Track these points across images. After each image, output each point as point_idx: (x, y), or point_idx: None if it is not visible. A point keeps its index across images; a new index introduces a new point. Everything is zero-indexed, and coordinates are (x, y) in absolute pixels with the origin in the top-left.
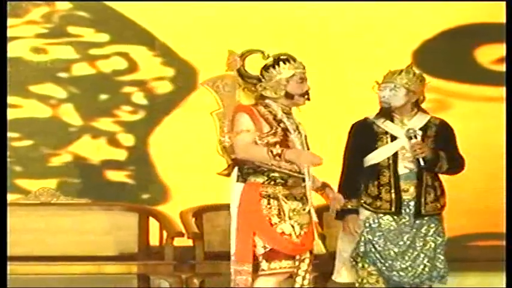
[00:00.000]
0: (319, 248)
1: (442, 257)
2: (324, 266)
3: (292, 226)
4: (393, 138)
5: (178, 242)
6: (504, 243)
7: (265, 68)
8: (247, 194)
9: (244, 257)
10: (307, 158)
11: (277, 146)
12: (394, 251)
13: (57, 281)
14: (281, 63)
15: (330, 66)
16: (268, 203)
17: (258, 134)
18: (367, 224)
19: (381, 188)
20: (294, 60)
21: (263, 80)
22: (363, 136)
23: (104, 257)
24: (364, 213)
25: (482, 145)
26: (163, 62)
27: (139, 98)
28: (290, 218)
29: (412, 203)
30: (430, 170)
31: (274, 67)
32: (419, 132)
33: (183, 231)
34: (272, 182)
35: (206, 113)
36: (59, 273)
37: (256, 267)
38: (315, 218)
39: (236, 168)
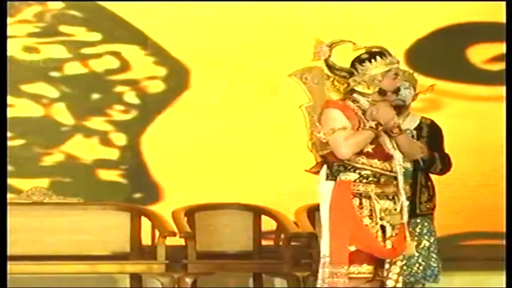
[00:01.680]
0: (411, 249)
1: (435, 256)
2: (315, 265)
3: (384, 227)
4: None
5: (170, 241)
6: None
7: (360, 61)
8: (338, 193)
9: (341, 258)
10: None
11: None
12: None
13: (49, 280)
14: (377, 57)
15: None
16: (360, 203)
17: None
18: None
19: None
20: (390, 54)
21: (356, 73)
22: None
23: (96, 256)
24: None
25: (474, 144)
26: (156, 61)
27: (131, 97)
28: (382, 219)
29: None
30: (427, 171)
31: (370, 61)
32: (415, 133)
33: (175, 230)
34: (364, 180)
35: (198, 112)
36: (51, 272)
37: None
38: (405, 219)
39: (325, 166)
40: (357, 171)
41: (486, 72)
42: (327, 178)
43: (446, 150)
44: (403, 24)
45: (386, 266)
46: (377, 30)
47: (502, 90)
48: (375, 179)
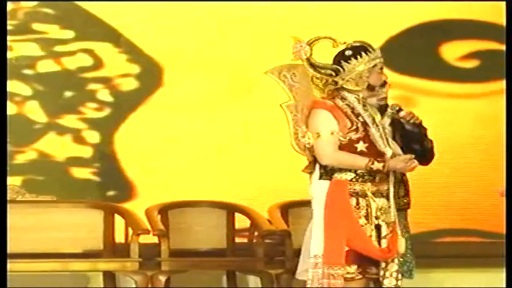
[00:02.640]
0: (402, 246)
1: (410, 252)
2: (289, 263)
3: (380, 226)
4: None
5: (143, 239)
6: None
7: (345, 58)
8: (334, 193)
9: (337, 259)
10: (408, 166)
11: (363, 143)
12: None
13: (22, 278)
14: (362, 53)
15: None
16: (357, 203)
17: (341, 131)
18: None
19: None
20: (373, 49)
21: (342, 71)
22: None
23: (69, 254)
24: None
25: (447, 141)
26: (129, 59)
27: (104, 95)
28: (377, 218)
29: None
30: (424, 140)
31: (356, 57)
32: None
33: (149, 228)
34: (360, 179)
35: (172, 110)
36: (24, 270)
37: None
38: (393, 217)
39: (318, 165)
40: (353, 170)
41: (459, 70)
42: (321, 177)
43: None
44: (375, 22)
45: (383, 265)
46: (349, 29)
47: (475, 87)
48: (371, 177)
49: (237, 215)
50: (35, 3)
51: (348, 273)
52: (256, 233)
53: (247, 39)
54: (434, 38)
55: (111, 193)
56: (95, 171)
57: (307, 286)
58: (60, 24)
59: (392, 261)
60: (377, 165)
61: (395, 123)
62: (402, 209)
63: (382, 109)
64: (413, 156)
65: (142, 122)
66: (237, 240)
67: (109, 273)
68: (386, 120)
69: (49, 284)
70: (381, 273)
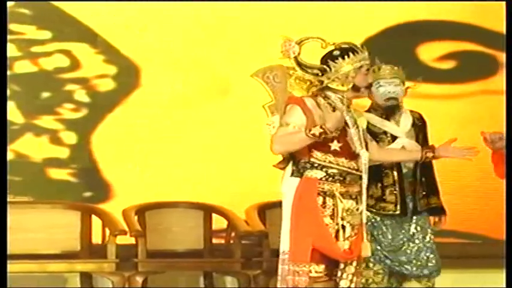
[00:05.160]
0: (367, 250)
1: (434, 256)
2: (266, 264)
3: (344, 227)
4: (393, 137)
5: (120, 240)
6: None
7: (332, 58)
8: (303, 190)
9: (302, 256)
10: (337, 118)
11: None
12: (396, 246)
13: None
14: (350, 53)
15: None
16: (324, 202)
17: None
18: (369, 223)
19: (385, 189)
20: (361, 50)
21: (329, 70)
22: None
23: (46, 255)
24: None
25: None
26: (106, 59)
27: (81, 95)
28: (343, 219)
29: (407, 200)
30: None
31: (343, 57)
32: (412, 132)
33: (126, 229)
34: (330, 179)
35: (149, 111)
36: None
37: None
38: (365, 219)
39: (291, 162)
40: (324, 169)
41: (436, 71)
42: (292, 174)
43: None
44: (353, 23)
45: (341, 266)
46: (327, 29)
47: (452, 88)
48: (341, 178)
49: (214, 215)
50: (12, 3)
51: (315, 272)
52: (233, 234)
53: (224, 40)
54: (412, 39)
55: (88, 194)
56: (72, 172)
57: (278, 283)
58: (38, 25)
59: (351, 263)
60: (316, 129)
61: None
62: (424, 210)
63: (391, 109)
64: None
65: (120, 123)
66: (214, 241)
67: (86, 274)
68: (407, 121)
69: (26, 285)
70: (339, 274)
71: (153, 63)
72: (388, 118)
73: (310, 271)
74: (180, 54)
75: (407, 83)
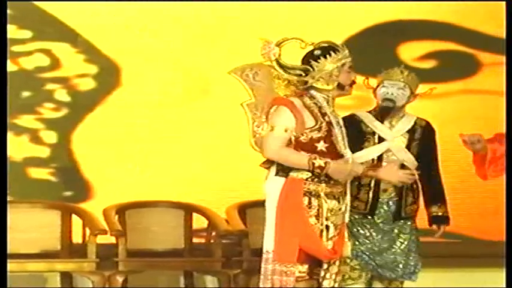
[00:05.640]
0: (346, 250)
1: (413, 254)
2: (246, 263)
3: (328, 227)
4: (380, 139)
5: (101, 239)
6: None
7: (314, 57)
8: (289, 190)
9: (289, 257)
10: (350, 175)
11: (323, 143)
12: (377, 246)
13: None
14: (331, 52)
15: None
16: (309, 202)
17: (299, 129)
18: (351, 218)
19: (360, 188)
20: (341, 48)
21: (312, 70)
22: (350, 133)
23: (27, 254)
24: None
25: None
26: (86, 59)
27: (62, 95)
28: (327, 219)
29: (390, 203)
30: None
31: (325, 57)
32: (406, 136)
33: (106, 228)
34: (316, 179)
35: (129, 110)
36: None
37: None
38: (347, 219)
39: (276, 162)
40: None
41: (416, 70)
42: (277, 174)
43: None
44: (333, 23)
45: (325, 266)
46: (308, 29)
47: (432, 87)
48: (326, 179)
49: (194, 215)
50: None
51: (299, 272)
52: (213, 233)
53: (204, 40)
54: (392, 38)
55: (68, 193)
56: (53, 172)
57: (261, 282)
58: (18, 24)
59: (334, 263)
60: (319, 162)
61: (417, 134)
62: (409, 216)
63: (385, 111)
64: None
65: (100, 122)
66: (195, 240)
67: (66, 274)
68: (403, 126)
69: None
70: (322, 274)
71: (134, 63)
72: (382, 120)
73: (295, 271)
74: (161, 53)
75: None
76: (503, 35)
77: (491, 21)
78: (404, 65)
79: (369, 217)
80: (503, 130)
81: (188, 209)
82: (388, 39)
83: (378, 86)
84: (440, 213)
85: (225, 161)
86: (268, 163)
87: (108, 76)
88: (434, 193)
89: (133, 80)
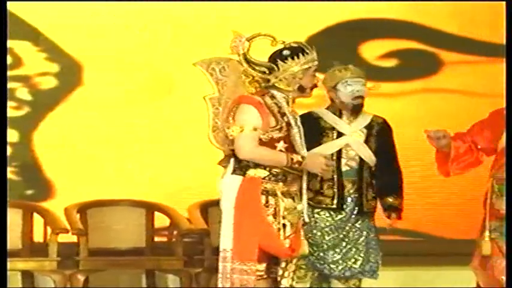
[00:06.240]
0: (304, 248)
1: (374, 252)
2: (208, 262)
3: (285, 226)
4: (339, 134)
5: (62, 238)
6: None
7: (282, 57)
8: (247, 189)
9: (249, 255)
10: (328, 168)
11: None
12: (327, 244)
13: None
14: (300, 54)
15: None
16: (266, 201)
17: (263, 129)
18: (301, 219)
19: (323, 183)
20: (311, 51)
21: (276, 69)
22: (308, 130)
23: None
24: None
25: None
26: (48, 57)
27: (23, 93)
28: (284, 218)
29: (349, 199)
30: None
31: (292, 58)
32: (365, 131)
33: (68, 227)
34: (273, 178)
35: (91, 109)
36: None
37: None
38: (306, 218)
39: (232, 160)
40: (267, 168)
41: (378, 69)
42: (234, 172)
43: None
44: (295, 21)
45: (283, 264)
46: (269, 28)
47: (394, 86)
48: (283, 177)
49: (156, 213)
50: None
51: (257, 270)
52: (175, 232)
53: (167, 38)
54: (354, 37)
55: (29, 192)
56: (14, 170)
57: (219, 281)
58: None
59: (291, 261)
60: (296, 157)
61: (374, 130)
62: (368, 211)
63: (356, 109)
64: (331, 163)
65: (62, 121)
66: (156, 239)
67: (27, 273)
68: (361, 122)
69: None
70: (280, 272)
71: (96, 61)
72: (340, 115)
73: (255, 270)
74: (123, 52)
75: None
76: (465, 33)
77: (453, 20)
78: (366, 64)
79: (332, 212)
80: (465, 129)
81: (150, 208)
82: (349, 38)
83: (336, 84)
84: (395, 204)
85: (188, 160)
86: (226, 161)
87: (70, 75)
88: (393, 186)
89: (95, 79)
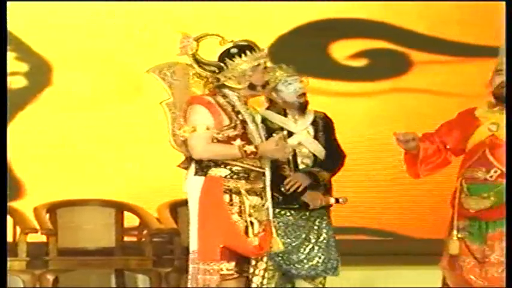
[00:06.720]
0: (277, 245)
1: (334, 249)
2: (178, 261)
3: (252, 223)
4: (290, 134)
5: (31, 238)
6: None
7: (229, 56)
8: (209, 189)
9: (211, 255)
10: (280, 150)
11: (240, 141)
12: (291, 245)
13: None
14: (247, 51)
15: None
16: (231, 199)
17: (216, 128)
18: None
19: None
20: (259, 48)
21: (225, 68)
22: None
23: None
24: None
25: None
26: (17, 57)
27: None
28: (250, 215)
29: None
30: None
31: (240, 56)
32: (312, 129)
33: (37, 227)
34: (235, 176)
35: (60, 109)
36: None
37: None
38: (271, 215)
39: (194, 161)
40: (228, 167)
41: (348, 68)
42: (196, 173)
43: None
44: (265, 21)
45: (253, 262)
46: (239, 27)
47: (364, 86)
48: (245, 175)
49: (126, 213)
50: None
51: (226, 269)
52: (145, 232)
53: (135, 39)
54: (324, 37)
55: None
56: None
57: (188, 282)
58: None
59: (262, 259)
60: (250, 148)
61: (320, 126)
62: (326, 208)
63: (302, 106)
64: (283, 134)
65: (31, 121)
66: (126, 239)
67: None
68: (307, 119)
69: None
70: (251, 270)
71: (65, 62)
72: (285, 115)
73: (221, 269)
74: (92, 52)
75: (318, 81)
76: (435, 33)
77: (422, 20)
78: (336, 64)
79: (293, 212)
80: (434, 129)
81: (119, 208)
82: (320, 38)
83: (276, 85)
84: (314, 171)
85: (157, 159)
86: (186, 163)
87: (39, 74)
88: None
89: (65, 79)
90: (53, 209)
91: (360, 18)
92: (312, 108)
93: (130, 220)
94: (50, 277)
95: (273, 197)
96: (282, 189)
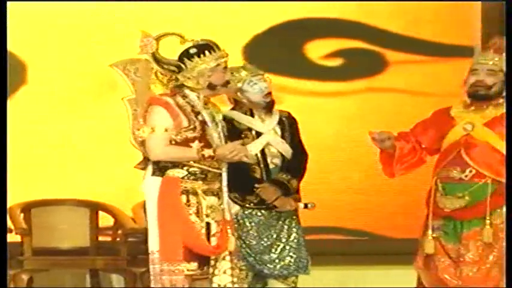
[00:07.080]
0: (231, 244)
1: (304, 248)
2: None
3: (209, 224)
4: (258, 134)
5: None
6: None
7: (188, 56)
8: (166, 189)
9: (174, 255)
10: (240, 153)
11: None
12: (263, 245)
13: None
14: (206, 51)
15: None
16: (188, 200)
17: (175, 129)
18: (235, 220)
19: (253, 183)
20: (218, 47)
21: (185, 68)
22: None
23: None
24: (235, 208)
25: (310, 139)
26: None
27: None
28: (207, 216)
29: None
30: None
31: (199, 56)
32: (279, 128)
33: (11, 227)
34: (192, 177)
35: (35, 108)
36: None
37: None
38: (228, 215)
39: (151, 161)
40: (185, 167)
41: (322, 68)
42: (154, 174)
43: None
44: (240, 20)
45: (212, 262)
46: (214, 27)
47: (339, 85)
48: (202, 176)
49: (100, 213)
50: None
51: (187, 270)
52: (119, 232)
53: (111, 37)
54: (299, 36)
55: None
56: None
57: (151, 283)
58: None
59: (224, 259)
60: (208, 152)
61: (286, 125)
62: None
63: (269, 105)
64: (240, 142)
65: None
66: (101, 238)
67: None
68: (274, 119)
69: None
70: (211, 270)
71: (40, 60)
72: (252, 115)
73: (183, 270)
74: (67, 50)
75: (293, 80)
76: (410, 33)
77: (398, 20)
78: (311, 63)
79: (264, 211)
80: (408, 128)
81: (94, 207)
82: (294, 37)
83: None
84: (283, 180)
85: (132, 159)
86: (143, 164)
87: (14, 73)
88: (295, 168)
89: (40, 78)
90: (27, 208)
91: (335, 18)
92: (288, 108)
93: (105, 220)
94: (25, 277)
95: (246, 200)
96: (254, 195)
